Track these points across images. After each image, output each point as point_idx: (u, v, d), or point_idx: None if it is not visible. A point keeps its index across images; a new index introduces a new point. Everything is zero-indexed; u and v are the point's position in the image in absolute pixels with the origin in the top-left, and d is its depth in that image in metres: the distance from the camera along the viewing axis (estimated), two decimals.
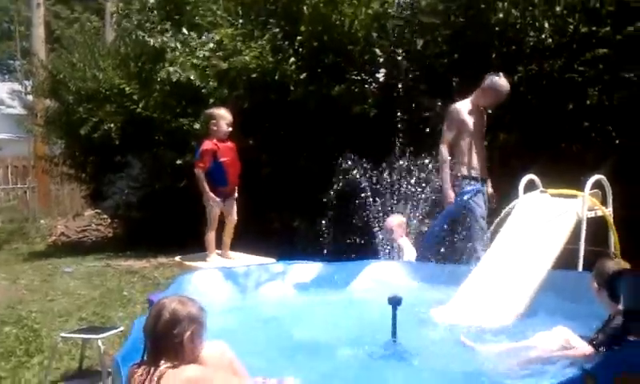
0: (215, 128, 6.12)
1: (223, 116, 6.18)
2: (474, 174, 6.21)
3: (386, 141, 7.92)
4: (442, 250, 6.23)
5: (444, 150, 6.18)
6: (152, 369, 2.71)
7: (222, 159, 6.09)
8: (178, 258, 6.53)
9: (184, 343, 2.78)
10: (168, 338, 2.76)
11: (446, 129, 6.24)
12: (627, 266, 3.91)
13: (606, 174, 5.64)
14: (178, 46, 9.63)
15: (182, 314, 2.81)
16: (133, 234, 11.52)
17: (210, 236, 6.19)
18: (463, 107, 6.22)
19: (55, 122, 12.74)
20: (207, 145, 6.11)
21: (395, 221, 6.43)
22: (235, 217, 6.29)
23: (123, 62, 11.13)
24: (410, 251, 6.35)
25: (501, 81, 6.13)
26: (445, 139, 6.21)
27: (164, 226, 10.18)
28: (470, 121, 6.19)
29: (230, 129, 6.19)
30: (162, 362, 2.72)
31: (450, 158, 6.17)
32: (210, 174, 6.08)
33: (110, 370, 4.26)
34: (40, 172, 15.56)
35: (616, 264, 3.94)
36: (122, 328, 5.15)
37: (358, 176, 6.79)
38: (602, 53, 6.83)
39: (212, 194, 6.06)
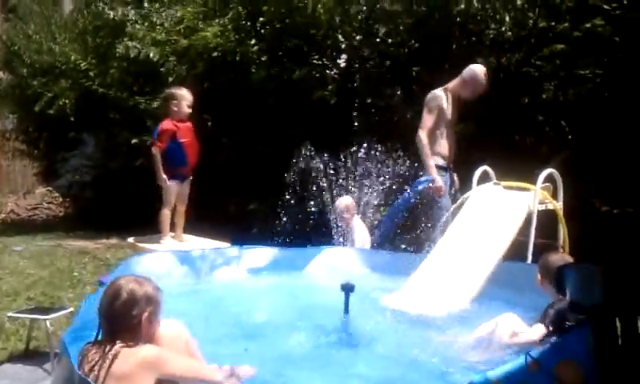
0: (176, 109, 6.07)
1: (184, 96, 6.13)
2: (442, 163, 6.24)
3: (346, 127, 7.92)
4: (399, 237, 6.28)
5: (423, 136, 6.14)
6: (107, 348, 2.69)
7: (181, 140, 6.06)
8: (130, 240, 6.44)
9: (142, 323, 2.77)
10: (126, 318, 2.74)
11: (427, 114, 6.20)
12: (571, 259, 4.02)
13: (558, 168, 5.75)
14: (138, 20, 9.43)
15: (139, 294, 2.79)
16: (85, 214, 11.28)
17: (166, 214, 6.12)
18: (442, 95, 6.23)
19: (8, 95, 12.37)
20: (166, 125, 6.05)
21: (342, 203, 6.38)
22: (186, 200, 6.24)
23: (80, 36, 10.85)
24: (361, 232, 6.35)
25: (481, 73, 6.15)
26: (425, 125, 6.17)
27: (117, 207, 10.01)
28: (447, 109, 6.23)
29: (190, 110, 6.13)
30: (118, 341, 2.70)
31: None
32: (169, 155, 6.03)
33: (57, 350, 4.19)
34: None
35: (561, 257, 4.04)
36: (71, 309, 5.04)
37: (315, 162, 6.77)
38: (559, 48, 6.95)
39: (164, 176, 6.00)
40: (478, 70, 6.19)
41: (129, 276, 2.93)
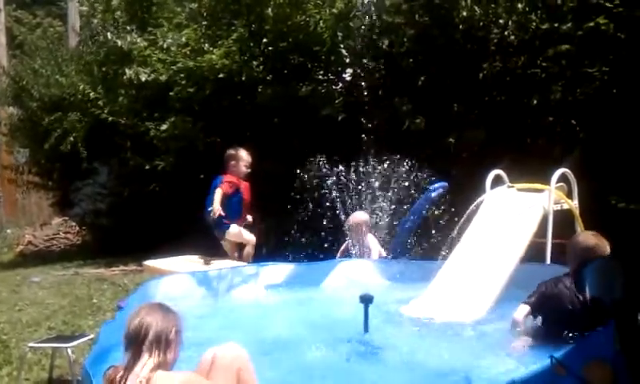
0: (234, 168, 6.30)
1: (243, 157, 6.38)
2: None
3: (354, 140, 7.94)
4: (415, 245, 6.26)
5: None
6: (136, 372, 2.65)
7: (243, 196, 6.30)
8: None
9: (173, 349, 2.74)
10: (158, 343, 2.70)
11: None
12: (593, 239, 4.04)
13: (570, 168, 5.72)
14: (145, 44, 9.51)
15: (169, 320, 2.76)
16: (102, 242, 11.36)
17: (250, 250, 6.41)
18: None
19: (20, 129, 12.53)
20: (230, 178, 6.26)
21: (358, 218, 6.34)
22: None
23: (87, 67, 10.98)
24: (376, 246, 6.34)
25: None
26: None
27: (132, 232, 10.06)
28: None
29: (248, 170, 6.39)
30: (145, 362, 2.65)
31: None
32: (229, 208, 6.17)
33: (79, 378, 4.20)
34: (5, 181, 15.27)
35: (585, 239, 4.05)
36: (91, 336, 5.06)
37: (325, 176, 6.78)
38: (564, 49, 6.95)
39: (220, 208, 6.09)
40: None
41: (155, 303, 2.90)
